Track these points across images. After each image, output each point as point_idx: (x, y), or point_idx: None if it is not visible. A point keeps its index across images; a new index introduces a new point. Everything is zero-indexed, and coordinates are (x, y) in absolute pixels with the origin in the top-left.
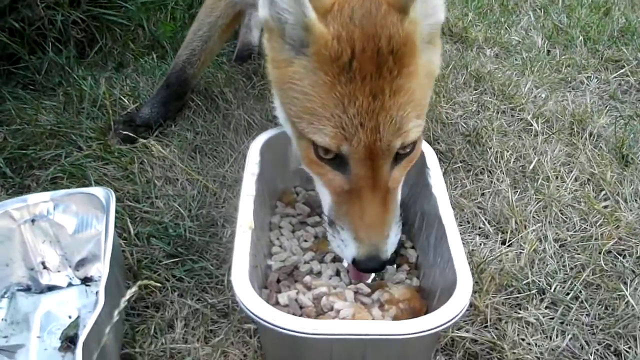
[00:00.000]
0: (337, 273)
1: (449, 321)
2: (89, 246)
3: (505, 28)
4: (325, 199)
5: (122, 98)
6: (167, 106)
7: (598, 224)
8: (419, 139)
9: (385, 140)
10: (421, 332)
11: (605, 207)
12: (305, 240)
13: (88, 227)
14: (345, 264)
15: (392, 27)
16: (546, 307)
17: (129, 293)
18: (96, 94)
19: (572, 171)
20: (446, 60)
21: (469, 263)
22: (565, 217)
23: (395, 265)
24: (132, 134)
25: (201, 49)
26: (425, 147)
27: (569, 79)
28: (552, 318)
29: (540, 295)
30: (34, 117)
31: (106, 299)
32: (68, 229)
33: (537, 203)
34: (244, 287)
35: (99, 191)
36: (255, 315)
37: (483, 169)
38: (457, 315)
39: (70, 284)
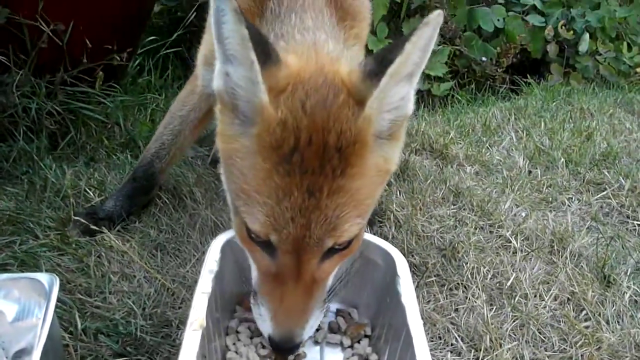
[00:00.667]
0: None
1: None
2: (29, 337)
3: (487, 147)
4: (254, 274)
5: (87, 190)
6: (133, 200)
7: (578, 344)
8: (357, 236)
9: (315, 238)
10: None
11: (587, 327)
12: (264, 347)
13: (29, 315)
14: None
15: (345, 122)
16: None
17: None
18: (61, 184)
19: (551, 289)
20: (425, 174)
21: None
22: (544, 337)
23: None
24: (93, 227)
25: (171, 142)
26: (396, 255)
27: (550, 199)
28: None
29: None
30: None
31: None
32: (8, 316)
33: (514, 321)
34: None
35: (43, 277)
36: None
37: (458, 284)
38: None
39: None
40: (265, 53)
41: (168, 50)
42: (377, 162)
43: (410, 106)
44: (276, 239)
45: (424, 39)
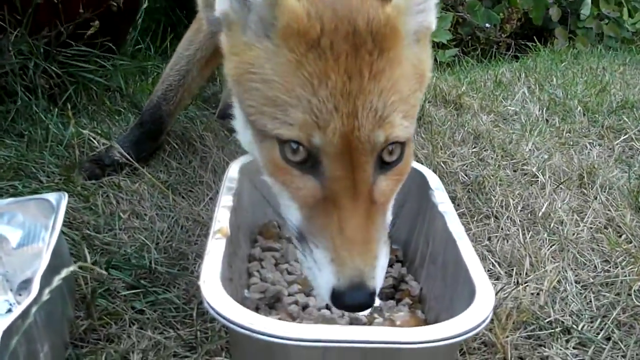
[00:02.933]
0: (328, 307)
1: (469, 330)
2: (35, 264)
3: (501, 100)
4: (294, 214)
5: (92, 139)
6: (140, 146)
7: (623, 264)
8: (408, 145)
9: (366, 130)
10: (435, 341)
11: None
12: (290, 273)
13: (35, 240)
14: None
15: (371, 10)
16: (574, 347)
17: (65, 271)
18: (63, 135)
19: (587, 217)
20: (441, 119)
21: None
22: (585, 259)
23: (395, 300)
24: (99, 172)
25: (178, 83)
26: (426, 171)
27: (571, 143)
28: (583, 359)
29: (566, 335)
30: None
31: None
32: (12, 241)
33: (552, 245)
34: (216, 289)
35: (51, 195)
36: (228, 320)
37: (488, 214)
38: (478, 325)
39: (9, 310)
40: None
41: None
42: (411, 58)
43: (433, 18)
44: (320, 140)
45: None
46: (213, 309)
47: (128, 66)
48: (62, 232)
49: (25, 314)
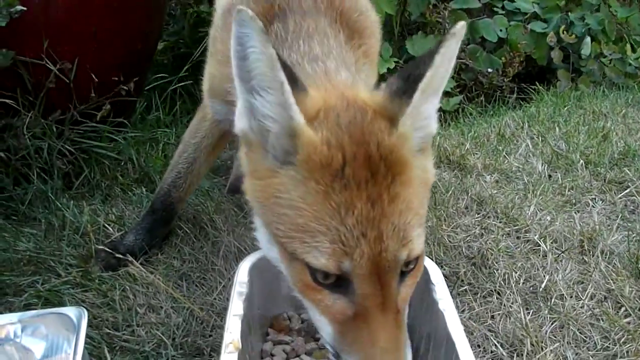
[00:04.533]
0: None
1: None
2: None
3: (504, 155)
4: (325, 328)
5: (107, 226)
6: (153, 232)
7: (622, 341)
8: (422, 252)
9: (392, 251)
10: None
11: (628, 323)
12: None
13: (58, 352)
14: None
15: (380, 134)
16: None
17: None
18: (79, 222)
19: (587, 289)
20: (445, 185)
21: None
22: (585, 336)
23: None
24: (114, 262)
25: (187, 171)
26: (428, 263)
27: (574, 200)
28: None
29: None
30: (12, 244)
31: None
32: (36, 353)
33: (553, 323)
34: None
35: (70, 310)
36: None
37: (491, 291)
38: None
39: None
40: (293, 78)
41: (175, 86)
42: (417, 173)
43: (435, 124)
44: (350, 264)
45: (450, 51)
46: None
47: (138, 137)
48: (84, 347)
49: None
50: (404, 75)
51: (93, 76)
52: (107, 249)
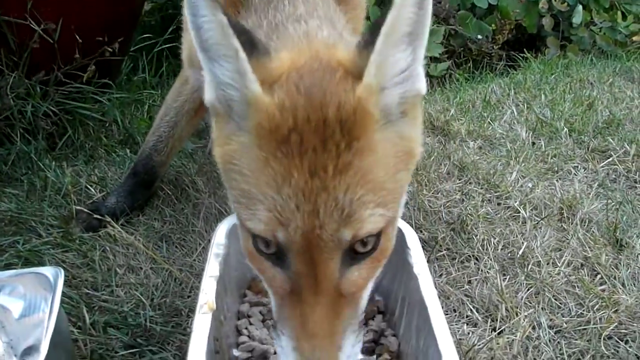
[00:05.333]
0: None
1: None
2: (37, 332)
3: (489, 122)
4: (271, 297)
5: (89, 187)
6: (135, 195)
7: (595, 308)
8: (385, 232)
9: (329, 229)
10: None
11: (602, 290)
12: None
13: (36, 311)
14: None
15: (344, 94)
16: None
17: None
18: (62, 183)
19: (564, 256)
20: (428, 151)
21: (457, 352)
22: (560, 303)
23: (374, 355)
24: (95, 223)
25: (168, 135)
26: (405, 227)
27: (556, 168)
28: None
29: None
30: None
31: None
32: (14, 312)
33: (529, 289)
34: None
35: (48, 270)
36: None
37: (469, 256)
38: None
39: None
40: (251, 43)
41: (162, 47)
42: (390, 139)
43: (422, 83)
44: (284, 237)
45: None
46: None
47: (123, 98)
48: (61, 306)
49: None
50: (371, 28)
51: (77, 37)
52: (88, 210)
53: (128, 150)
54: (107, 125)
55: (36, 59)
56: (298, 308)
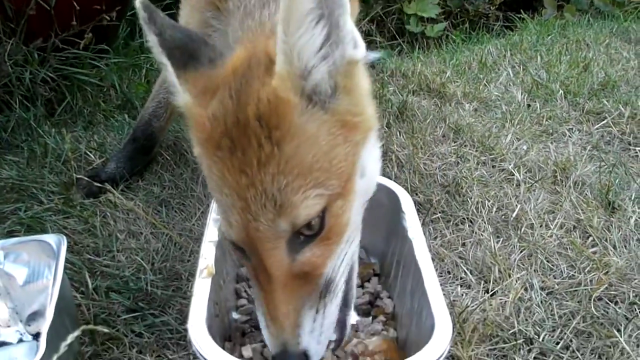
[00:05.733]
0: None
1: None
2: (41, 298)
3: (485, 84)
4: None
5: (88, 153)
6: (134, 161)
7: (586, 270)
8: (328, 211)
9: (264, 221)
10: None
11: (594, 252)
12: None
13: (40, 278)
14: None
15: (262, 89)
16: (535, 358)
17: (70, 337)
18: (61, 149)
19: (556, 218)
20: (424, 113)
21: (450, 313)
22: (552, 265)
23: (370, 317)
24: (95, 189)
25: (167, 100)
26: (400, 191)
27: (551, 130)
28: None
29: (528, 345)
30: None
31: (51, 348)
32: (18, 279)
33: (521, 251)
34: (202, 334)
35: (50, 238)
36: None
37: (464, 219)
38: None
39: (21, 340)
40: (191, 56)
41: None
42: (318, 118)
43: (353, 49)
44: (232, 234)
45: None
46: (200, 354)
47: (121, 63)
48: (64, 272)
49: None
50: None
51: (74, 3)
52: (88, 177)
53: (126, 115)
54: (105, 90)
55: (33, 26)
56: (260, 293)
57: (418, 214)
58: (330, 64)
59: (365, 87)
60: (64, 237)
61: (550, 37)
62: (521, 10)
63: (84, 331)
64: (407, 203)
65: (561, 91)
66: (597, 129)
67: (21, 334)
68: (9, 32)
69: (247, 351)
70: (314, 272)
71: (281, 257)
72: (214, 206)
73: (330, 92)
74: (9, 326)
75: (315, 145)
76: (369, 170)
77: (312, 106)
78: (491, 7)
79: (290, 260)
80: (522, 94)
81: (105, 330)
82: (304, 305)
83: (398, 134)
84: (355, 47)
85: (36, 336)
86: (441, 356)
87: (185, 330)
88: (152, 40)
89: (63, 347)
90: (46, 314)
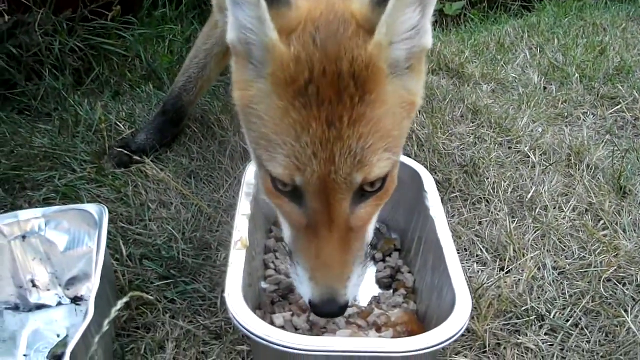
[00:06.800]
0: None
1: (447, 340)
2: (80, 264)
3: (502, 65)
4: (285, 229)
5: (118, 123)
6: (163, 133)
7: (597, 252)
8: (390, 174)
9: (343, 174)
10: (419, 350)
11: (605, 235)
12: None
13: (80, 245)
14: None
15: (356, 49)
16: (546, 334)
17: (120, 303)
18: (92, 119)
19: (570, 201)
20: (443, 93)
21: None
22: (564, 246)
23: (392, 290)
24: (127, 159)
25: (197, 76)
26: (422, 171)
27: (566, 114)
28: (552, 345)
29: (540, 322)
30: (28, 140)
31: (96, 312)
32: (59, 246)
33: (536, 232)
34: (238, 303)
35: (92, 207)
36: (249, 332)
37: (481, 198)
38: (455, 334)
39: (60, 303)
40: None
41: None
42: (397, 92)
43: (428, 39)
44: (301, 180)
45: None
46: (237, 321)
47: (146, 34)
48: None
49: (86, 336)
50: None
51: None
52: (119, 147)
53: (152, 86)
54: (130, 60)
55: None
56: (314, 242)
57: (438, 193)
58: (412, 45)
59: (425, 72)
60: (105, 208)
61: (567, 19)
62: None
63: (119, 295)
64: (429, 183)
65: (577, 75)
66: (611, 114)
67: (60, 298)
68: (40, 3)
69: (278, 320)
70: (363, 226)
71: (345, 208)
72: (245, 180)
73: (406, 71)
74: (48, 290)
75: (394, 115)
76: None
77: (393, 78)
78: None
79: (350, 212)
80: (538, 77)
81: (149, 297)
82: (356, 260)
83: (418, 113)
84: (429, 37)
85: (74, 300)
86: (461, 330)
87: (216, 297)
88: None
89: (114, 312)
90: (92, 280)
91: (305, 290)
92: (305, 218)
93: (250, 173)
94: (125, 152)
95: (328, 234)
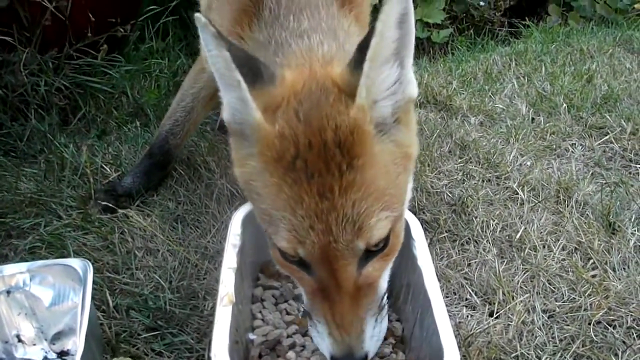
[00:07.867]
0: None
1: None
2: (66, 319)
3: (490, 96)
4: (301, 291)
5: (104, 166)
6: (150, 176)
7: (587, 293)
8: (392, 230)
9: (343, 242)
10: None
11: (594, 276)
12: (288, 313)
13: (65, 300)
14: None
15: (339, 116)
16: None
17: None
18: (78, 162)
19: (559, 240)
20: (431, 128)
21: (456, 336)
22: (554, 287)
23: None
24: (113, 204)
25: (184, 119)
26: (410, 217)
27: (554, 146)
28: None
29: None
30: (13, 185)
31: None
32: (44, 301)
33: (525, 273)
34: None
35: (76, 262)
36: None
37: (469, 238)
38: None
39: (46, 358)
40: (255, 73)
41: (168, 19)
42: (387, 149)
43: (412, 88)
44: (304, 252)
45: (394, 15)
46: None
47: (132, 70)
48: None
49: None
50: (359, 47)
51: (90, 15)
52: (105, 191)
53: (138, 123)
54: (116, 97)
55: (48, 36)
56: (326, 302)
57: (425, 233)
58: (396, 99)
59: (414, 120)
60: (89, 263)
61: (554, 45)
62: (526, 17)
63: (105, 349)
64: (417, 230)
65: (565, 104)
66: (599, 144)
67: (46, 352)
68: (25, 42)
69: None
70: (373, 283)
71: (352, 271)
72: (231, 230)
73: (394, 125)
74: (34, 344)
75: (387, 173)
76: (410, 192)
77: (381, 137)
78: (496, 13)
79: (358, 274)
80: (526, 107)
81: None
82: (368, 314)
83: None
84: (413, 86)
85: (60, 354)
86: None
87: (203, 348)
88: (224, 56)
89: None
90: (76, 339)
91: (326, 346)
92: (315, 283)
93: (237, 222)
94: (111, 196)
95: (338, 297)
